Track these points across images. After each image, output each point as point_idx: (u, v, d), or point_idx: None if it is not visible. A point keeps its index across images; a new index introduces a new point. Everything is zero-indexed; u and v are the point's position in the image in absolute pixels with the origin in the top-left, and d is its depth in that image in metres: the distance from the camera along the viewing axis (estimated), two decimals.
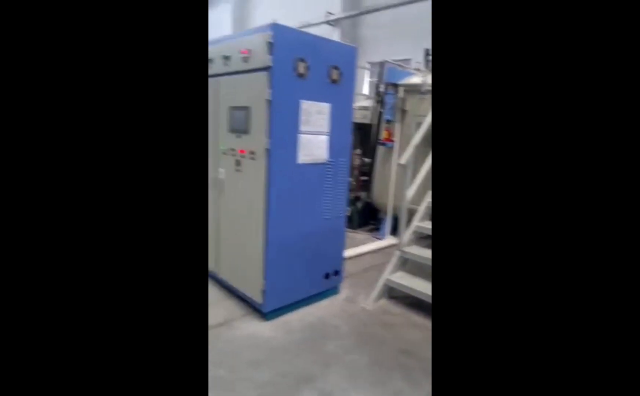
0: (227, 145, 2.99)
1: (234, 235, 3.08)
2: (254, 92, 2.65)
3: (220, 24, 11.83)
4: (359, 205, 5.53)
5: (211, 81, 3.08)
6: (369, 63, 8.88)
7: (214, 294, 3.24)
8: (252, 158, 2.74)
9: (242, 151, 2.83)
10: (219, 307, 3.04)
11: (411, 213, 3.44)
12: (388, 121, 4.93)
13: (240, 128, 2.82)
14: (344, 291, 3.46)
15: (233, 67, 2.83)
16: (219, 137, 3.07)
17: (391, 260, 3.39)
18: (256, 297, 2.85)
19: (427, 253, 3.17)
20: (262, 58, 2.52)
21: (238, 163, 2.89)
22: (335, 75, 2.88)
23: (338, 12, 9.66)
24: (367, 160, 5.39)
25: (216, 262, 3.30)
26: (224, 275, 3.25)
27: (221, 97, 3.01)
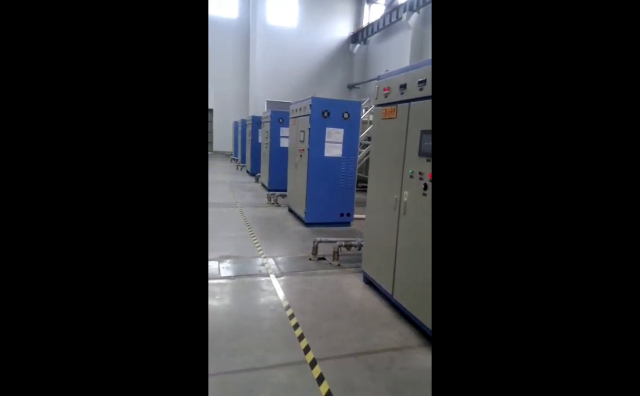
0: (415, 169, 2.99)
1: (413, 259, 3.02)
2: None
3: (400, 51, 12.29)
4: None
5: (402, 106, 3.16)
6: None
7: (387, 316, 3.25)
8: None
9: (431, 175, 2.78)
10: (392, 330, 3.02)
11: None
12: None
13: (431, 151, 2.78)
14: None
15: (428, 91, 2.83)
16: (407, 161, 3.10)
17: None
18: None
19: None
20: None
21: (425, 187, 2.84)
22: None
23: None
24: None
25: (391, 283, 3.32)
26: (398, 298, 3.22)
27: (411, 121, 3.05)
